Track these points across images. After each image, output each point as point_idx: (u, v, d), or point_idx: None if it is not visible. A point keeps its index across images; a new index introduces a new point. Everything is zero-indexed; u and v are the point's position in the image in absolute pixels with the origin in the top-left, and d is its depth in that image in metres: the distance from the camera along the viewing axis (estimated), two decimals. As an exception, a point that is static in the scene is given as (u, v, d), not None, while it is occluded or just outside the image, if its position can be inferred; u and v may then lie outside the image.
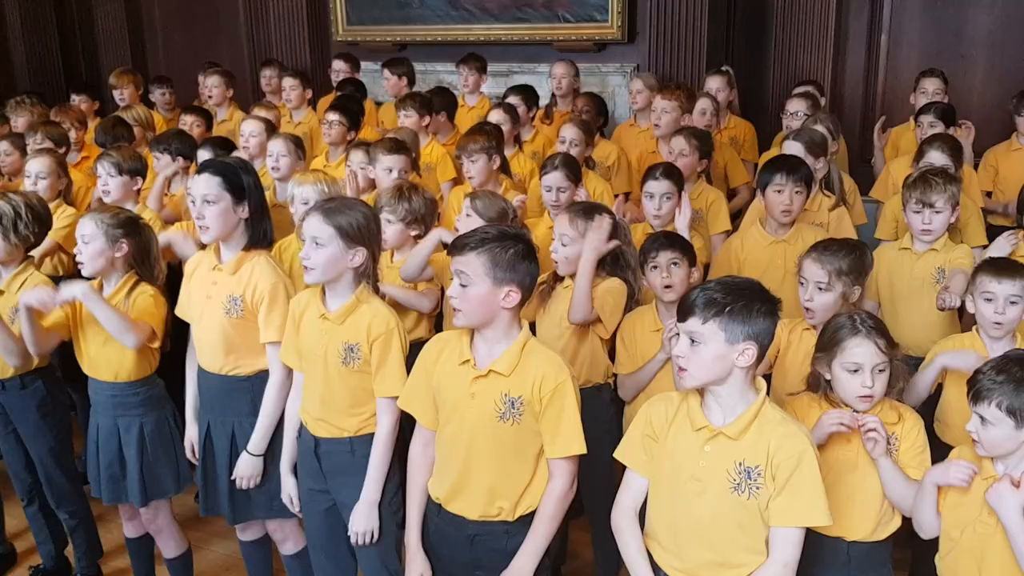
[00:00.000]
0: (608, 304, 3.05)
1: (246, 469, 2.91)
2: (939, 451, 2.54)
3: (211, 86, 6.13)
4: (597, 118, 5.15)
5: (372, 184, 4.15)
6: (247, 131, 4.66)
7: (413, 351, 2.60)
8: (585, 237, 3.02)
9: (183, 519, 3.43)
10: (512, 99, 5.27)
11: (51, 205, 3.74)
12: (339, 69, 6.50)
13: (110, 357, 3.00)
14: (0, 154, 4.68)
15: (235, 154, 3.88)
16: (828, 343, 2.47)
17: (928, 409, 2.94)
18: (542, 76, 6.37)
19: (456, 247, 2.30)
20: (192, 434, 3.10)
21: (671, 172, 3.79)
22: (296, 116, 5.93)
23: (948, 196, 3.35)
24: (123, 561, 3.54)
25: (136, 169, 3.95)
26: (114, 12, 8.58)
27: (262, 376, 2.90)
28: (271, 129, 4.69)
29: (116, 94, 6.35)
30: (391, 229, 3.39)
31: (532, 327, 2.65)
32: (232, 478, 2.95)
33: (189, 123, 5.27)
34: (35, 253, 3.45)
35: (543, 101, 5.72)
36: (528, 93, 5.40)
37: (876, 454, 2.36)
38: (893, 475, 2.39)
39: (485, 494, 2.36)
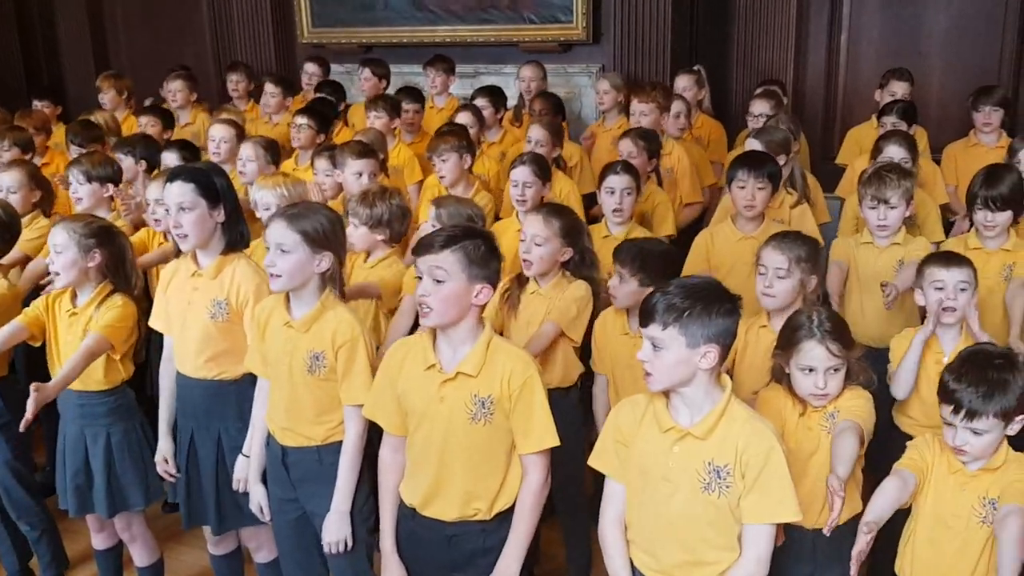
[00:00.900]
0: (570, 314, 3.08)
1: (243, 471, 2.88)
2: (898, 443, 2.60)
3: (174, 90, 6.07)
4: (556, 118, 5.18)
5: (340, 189, 4.15)
6: (217, 136, 4.63)
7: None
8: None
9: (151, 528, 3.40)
10: (479, 101, 5.28)
11: (27, 217, 3.71)
12: (312, 72, 6.43)
13: (80, 366, 2.98)
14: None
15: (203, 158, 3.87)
16: (786, 342, 2.54)
17: (889, 400, 3.00)
18: (508, 77, 6.38)
19: (427, 246, 2.29)
20: (166, 448, 3.06)
21: (631, 168, 3.84)
22: (275, 119, 5.89)
23: (902, 191, 3.43)
24: (90, 571, 3.51)
25: (107, 176, 3.90)
26: (75, 13, 8.46)
27: (248, 380, 2.87)
28: (241, 134, 4.67)
29: (100, 97, 6.28)
30: (357, 233, 3.40)
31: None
32: (221, 485, 2.93)
33: (144, 124, 5.22)
34: (4, 261, 3.42)
35: (511, 102, 5.74)
36: (495, 95, 5.41)
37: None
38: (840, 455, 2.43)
39: (461, 497, 2.36)
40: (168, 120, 5.48)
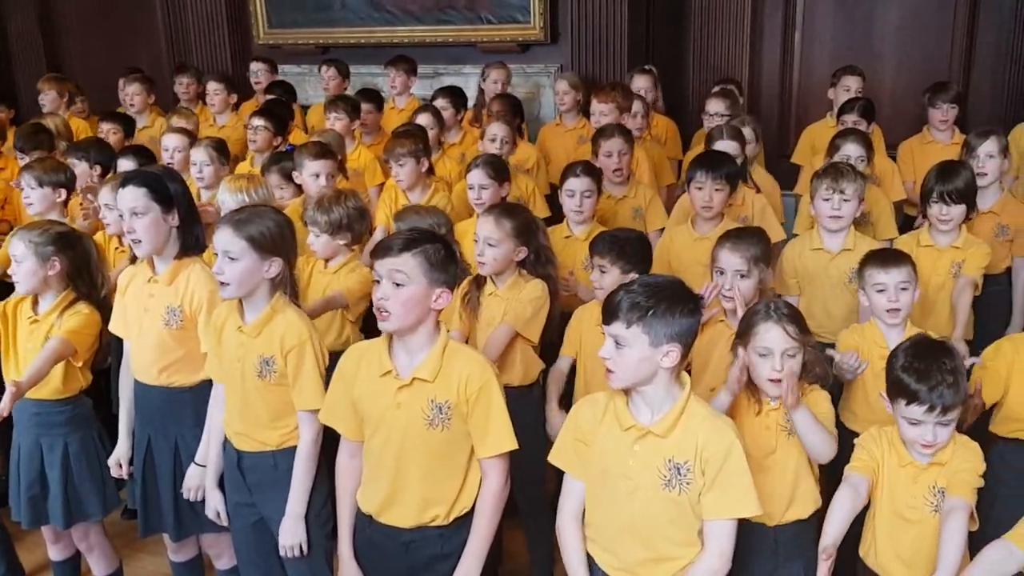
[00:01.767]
0: (525, 315, 3.10)
1: (193, 480, 2.86)
2: (845, 440, 2.62)
3: (132, 94, 6.00)
4: (514, 119, 5.18)
5: (298, 193, 4.12)
6: (171, 146, 4.57)
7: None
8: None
9: (110, 535, 3.36)
10: (440, 101, 5.28)
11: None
12: (258, 70, 6.39)
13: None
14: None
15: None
16: (744, 329, 2.56)
17: (835, 399, 3.04)
18: (468, 77, 6.38)
19: (386, 249, 2.27)
20: (124, 451, 3.03)
21: (591, 170, 3.84)
22: (220, 120, 5.83)
23: (857, 186, 3.48)
24: (49, 582, 3.46)
25: (58, 181, 3.84)
26: (26, 17, 8.32)
27: (204, 386, 2.85)
28: (193, 140, 4.62)
29: (40, 99, 6.20)
30: (319, 241, 3.38)
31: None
32: (180, 491, 2.90)
33: (106, 131, 5.15)
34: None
35: (470, 103, 5.74)
36: (456, 95, 5.40)
37: (789, 404, 2.42)
38: (809, 423, 2.44)
39: (419, 503, 2.35)
40: (130, 126, 5.40)
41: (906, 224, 4.38)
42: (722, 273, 3.00)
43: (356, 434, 2.43)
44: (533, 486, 3.18)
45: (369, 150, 5.08)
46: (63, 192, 3.86)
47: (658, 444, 2.13)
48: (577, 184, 3.76)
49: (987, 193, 3.84)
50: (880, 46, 6.17)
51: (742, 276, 2.97)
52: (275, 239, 2.55)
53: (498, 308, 3.14)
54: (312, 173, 3.96)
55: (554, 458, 2.33)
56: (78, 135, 5.53)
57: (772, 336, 2.47)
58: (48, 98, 6.16)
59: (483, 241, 3.11)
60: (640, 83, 5.46)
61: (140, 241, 2.79)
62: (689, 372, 2.89)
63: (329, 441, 2.60)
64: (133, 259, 3.05)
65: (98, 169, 4.29)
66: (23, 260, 2.91)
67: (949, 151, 4.49)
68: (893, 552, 2.43)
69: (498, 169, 3.91)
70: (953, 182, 3.47)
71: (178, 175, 2.97)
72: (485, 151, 4.45)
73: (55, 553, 3.26)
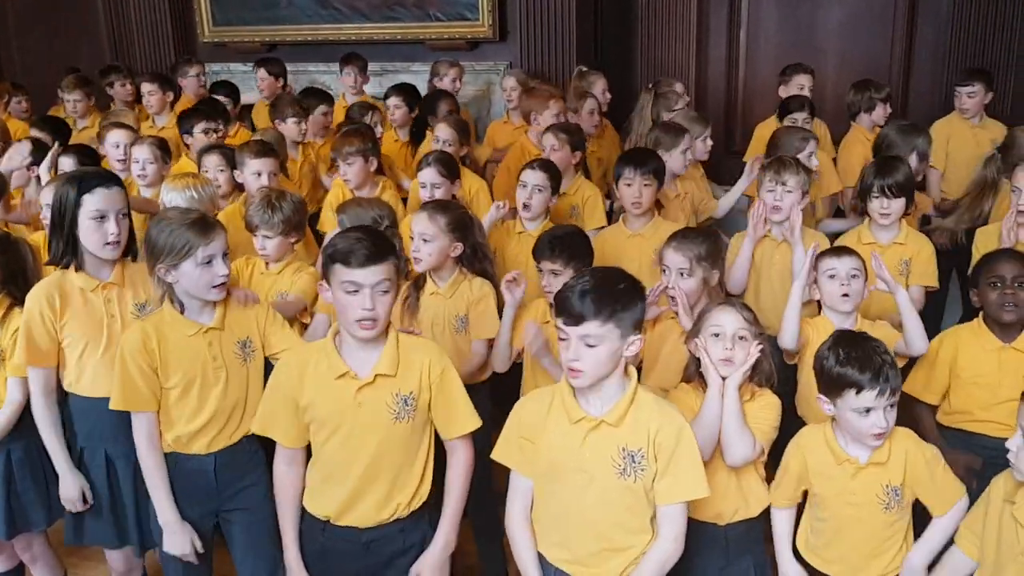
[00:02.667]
0: (483, 319, 3.13)
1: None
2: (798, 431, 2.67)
3: (73, 100, 5.89)
4: (461, 117, 5.15)
5: (236, 187, 4.07)
6: (121, 141, 4.39)
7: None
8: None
9: (54, 544, 3.29)
10: (393, 99, 5.29)
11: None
12: (147, 91, 5.87)
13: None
14: None
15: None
16: (698, 320, 2.62)
17: (790, 389, 3.09)
18: (417, 75, 6.37)
19: (375, 257, 2.26)
20: (79, 481, 2.87)
21: (547, 166, 3.86)
22: (159, 121, 5.70)
23: (800, 179, 3.54)
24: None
25: None
26: (-37, 16, 8.13)
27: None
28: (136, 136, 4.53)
29: None
30: (271, 244, 3.33)
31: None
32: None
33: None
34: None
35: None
36: (409, 93, 5.38)
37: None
38: (734, 419, 2.47)
39: (383, 498, 2.37)
40: (61, 132, 5.24)
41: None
42: (666, 271, 3.04)
43: (297, 441, 2.42)
44: (481, 484, 3.17)
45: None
46: None
47: (611, 434, 2.16)
48: (529, 177, 3.76)
49: None
50: (823, 43, 6.27)
51: (685, 275, 3.01)
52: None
53: (441, 308, 3.15)
54: (253, 172, 3.92)
55: (498, 455, 2.34)
56: (16, 136, 5.40)
57: (725, 317, 2.53)
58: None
59: (418, 237, 3.11)
60: (603, 84, 5.45)
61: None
62: (639, 369, 2.94)
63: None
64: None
65: (35, 170, 4.19)
66: None
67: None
68: (839, 553, 2.47)
69: (449, 167, 3.91)
70: (893, 176, 3.54)
71: (82, 180, 2.79)
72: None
73: (-3, 564, 3.19)
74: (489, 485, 3.23)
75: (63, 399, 2.86)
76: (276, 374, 2.43)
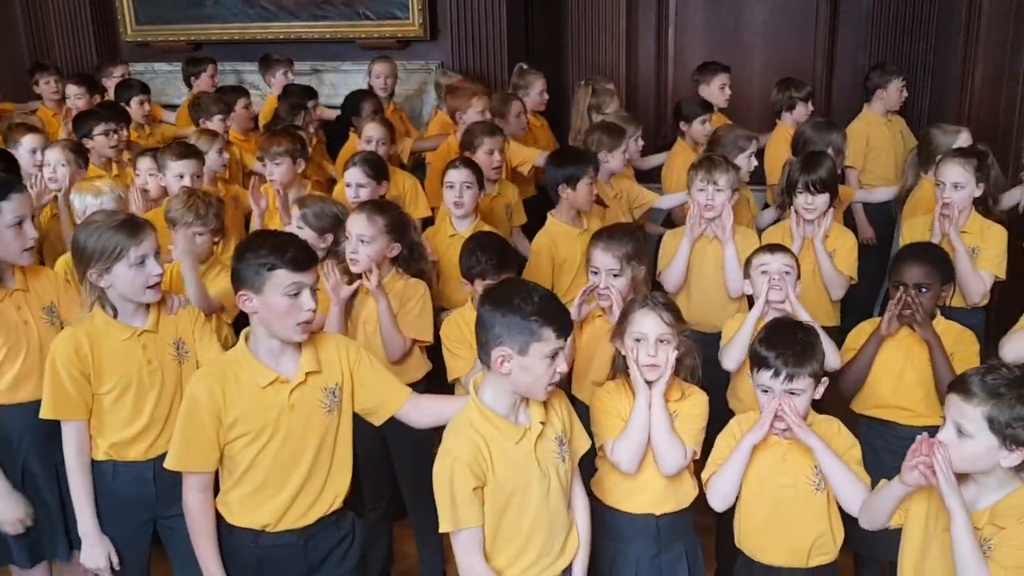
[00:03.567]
0: (411, 317, 3.13)
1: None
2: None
3: None
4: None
5: (165, 192, 3.99)
6: (37, 145, 4.27)
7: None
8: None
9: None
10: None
11: None
12: (73, 94, 5.65)
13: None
14: None
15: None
16: (621, 319, 2.64)
17: (723, 384, 3.17)
18: (349, 74, 6.34)
19: (314, 258, 2.35)
20: (22, 503, 2.78)
21: (469, 163, 3.88)
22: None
23: (730, 178, 3.60)
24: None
25: None
26: None
27: None
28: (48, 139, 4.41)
29: None
30: (202, 240, 3.28)
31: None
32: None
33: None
34: None
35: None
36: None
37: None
38: (663, 428, 2.51)
39: (321, 493, 2.38)
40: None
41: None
42: (596, 272, 3.06)
43: (216, 463, 2.35)
44: (422, 487, 3.15)
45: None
46: None
47: (548, 432, 2.27)
48: (456, 176, 3.76)
49: None
50: (749, 41, 6.38)
51: (615, 275, 3.04)
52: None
53: (374, 308, 3.12)
54: (176, 174, 3.87)
55: (458, 524, 2.18)
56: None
57: (647, 322, 2.55)
58: None
59: (355, 238, 3.10)
60: (540, 84, 5.43)
61: None
62: (570, 370, 2.98)
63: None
64: None
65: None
66: None
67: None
68: (772, 536, 2.50)
69: (376, 167, 3.88)
70: (816, 172, 3.62)
71: (6, 184, 2.75)
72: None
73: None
74: (428, 486, 3.21)
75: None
76: (191, 400, 2.32)
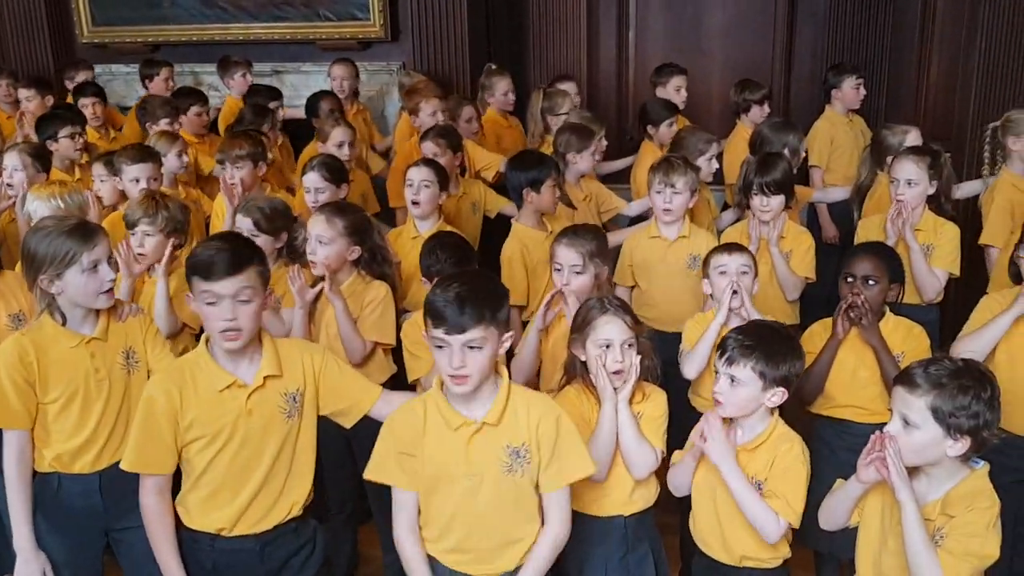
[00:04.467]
0: (372, 319, 3.11)
1: None
2: (694, 421, 2.72)
3: None
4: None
5: (120, 196, 3.95)
6: None
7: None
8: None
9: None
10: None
11: None
12: (24, 96, 5.70)
13: None
14: None
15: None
16: (581, 324, 2.62)
17: (684, 381, 3.18)
18: (309, 75, 6.30)
19: (232, 268, 2.24)
20: None
21: (431, 162, 3.89)
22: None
23: (688, 180, 3.62)
24: None
25: None
26: None
27: None
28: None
29: None
30: (150, 241, 3.23)
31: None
32: None
33: None
34: None
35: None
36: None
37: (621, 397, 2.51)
38: (631, 437, 2.51)
39: (279, 500, 2.35)
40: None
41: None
42: (559, 269, 3.07)
43: (173, 466, 2.34)
44: (385, 489, 3.15)
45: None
46: None
47: (494, 434, 2.19)
48: (415, 174, 3.76)
49: None
50: (708, 44, 6.43)
51: (578, 272, 3.04)
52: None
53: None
54: (132, 178, 3.84)
55: (374, 475, 2.29)
56: None
57: (612, 328, 2.55)
58: None
59: (314, 239, 3.09)
60: (505, 84, 5.44)
61: None
62: (538, 373, 2.97)
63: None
64: None
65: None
66: None
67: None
68: (717, 533, 2.52)
69: (334, 171, 3.86)
70: (771, 173, 3.66)
71: None
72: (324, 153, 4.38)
73: None
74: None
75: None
76: (148, 402, 2.30)
